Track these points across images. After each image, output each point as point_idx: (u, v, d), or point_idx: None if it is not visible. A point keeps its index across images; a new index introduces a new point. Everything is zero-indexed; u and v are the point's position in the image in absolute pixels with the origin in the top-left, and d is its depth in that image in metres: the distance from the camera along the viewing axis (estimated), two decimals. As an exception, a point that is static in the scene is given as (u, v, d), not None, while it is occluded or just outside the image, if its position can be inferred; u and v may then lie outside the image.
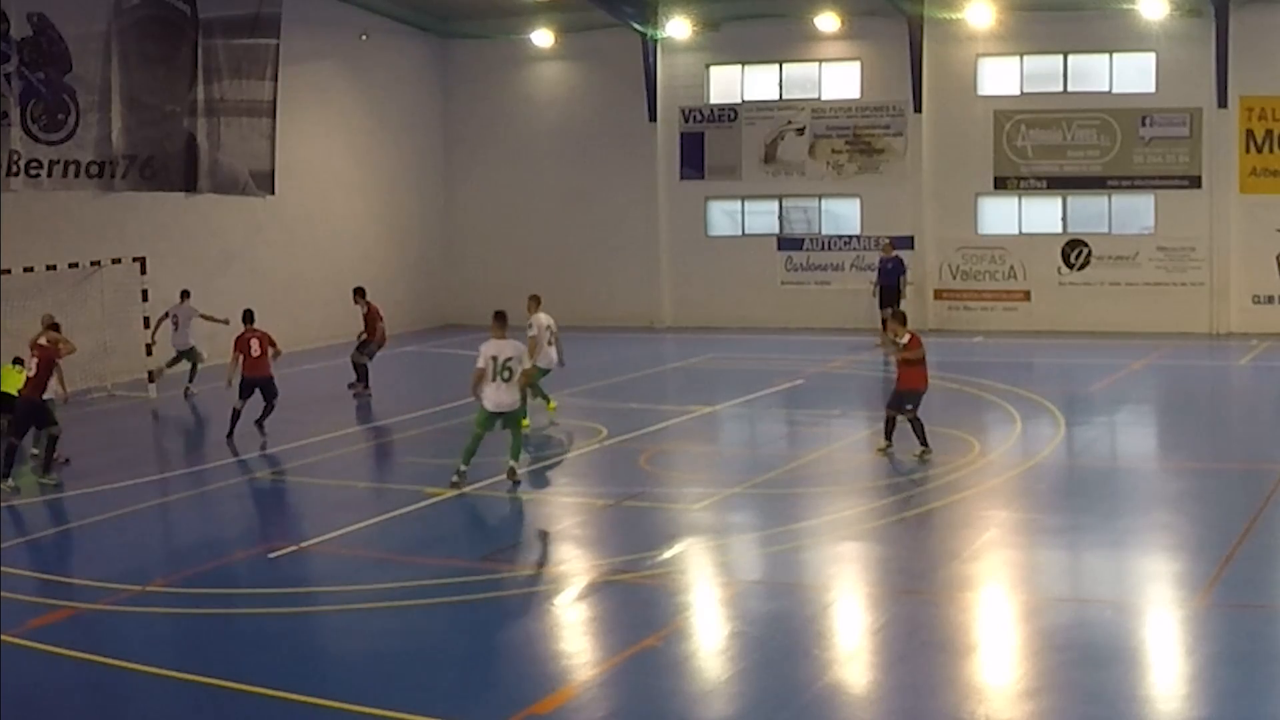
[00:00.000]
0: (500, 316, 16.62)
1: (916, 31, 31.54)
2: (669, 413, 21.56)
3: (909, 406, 17.72)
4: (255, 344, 20.25)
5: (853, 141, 32.79)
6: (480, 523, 15.64)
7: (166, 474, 19.08)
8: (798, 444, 20.34)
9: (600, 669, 10.64)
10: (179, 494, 17.17)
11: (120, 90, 24.04)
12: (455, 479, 16.24)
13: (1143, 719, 9.47)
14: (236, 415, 19.96)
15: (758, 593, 12.65)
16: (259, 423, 20.04)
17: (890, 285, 30.51)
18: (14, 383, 18.19)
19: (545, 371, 20.29)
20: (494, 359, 16.24)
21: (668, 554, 13.66)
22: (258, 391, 20.09)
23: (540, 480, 17.20)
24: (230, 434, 19.82)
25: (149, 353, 24.98)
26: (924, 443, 17.45)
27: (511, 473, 16.55)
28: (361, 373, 23.86)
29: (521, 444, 16.80)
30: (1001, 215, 32.17)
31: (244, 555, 14.19)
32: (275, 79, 26.07)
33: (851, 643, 11.37)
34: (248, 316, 20.93)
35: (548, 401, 20.53)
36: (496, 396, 16.29)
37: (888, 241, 31.56)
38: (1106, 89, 30.90)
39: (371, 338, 24.10)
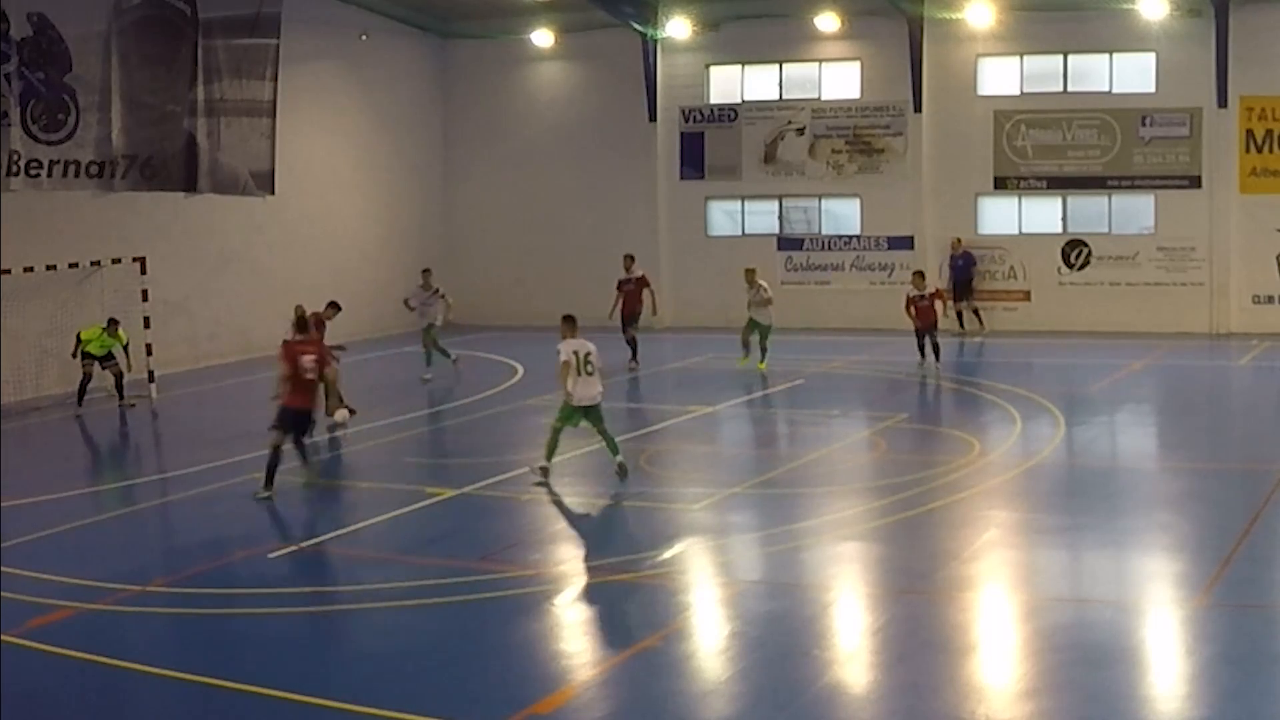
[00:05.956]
0: (570, 320, 16.95)
1: (916, 31, 31.54)
2: (669, 413, 21.57)
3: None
4: None
5: (853, 141, 32.79)
6: (480, 523, 15.62)
7: (166, 474, 19.07)
8: (798, 444, 20.34)
9: (600, 669, 10.63)
10: (179, 494, 17.16)
11: (120, 90, 24.03)
12: (539, 471, 16.57)
13: (1142, 719, 9.47)
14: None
15: (758, 593, 12.65)
16: None
17: (962, 280, 31.09)
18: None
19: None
20: (575, 353, 16.54)
21: (668, 554, 13.67)
22: None
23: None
24: None
25: (149, 352, 24.98)
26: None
27: (622, 468, 16.72)
28: None
29: (613, 435, 17.00)
30: (1001, 215, 32.17)
31: (244, 555, 14.18)
32: (275, 79, 26.07)
33: (851, 643, 11.36)
34: None
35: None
36: (585, 390, 16.58)
37: (957, 239, 31.64)
38: (1106, 89, 30.89)
39: None
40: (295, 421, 16.30)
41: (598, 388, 16.73)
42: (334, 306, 22.14)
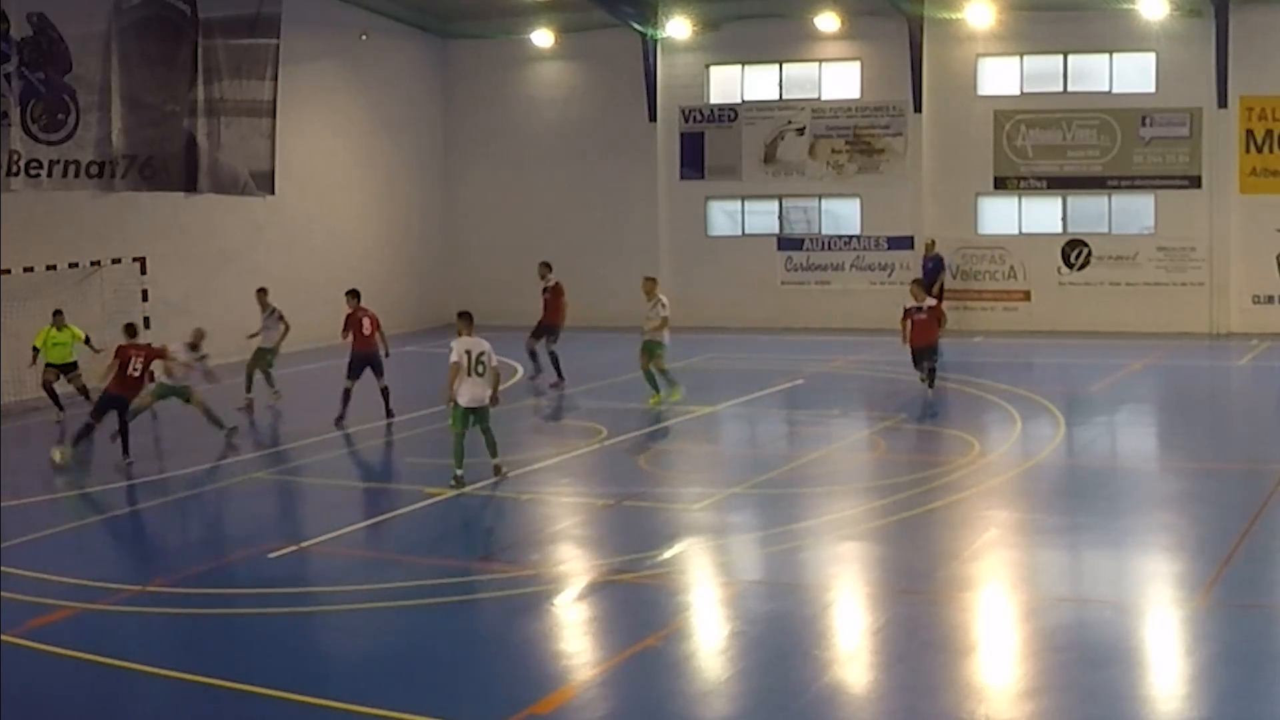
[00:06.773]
0: (466, 316, 16.77)
1: (916, 31, 31.55)
2: (669, 413, 21.55)
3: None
4: (367, 322, 21.28)
5: (853, 141, 32.81)
6: (480, 523, 15.64)
7: (166, 474, 19.05)
8: (798, 444, 20.33)
9: (600, 669, 10.63)
10: (179, 494, 17.16)
11: (120, 90, 24.06)
12: (454, 482, 16.27)
13: (1143, 719, 9.47)
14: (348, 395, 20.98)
15: (758, 593, 12.65)
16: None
17: (929, 284, 30.84)
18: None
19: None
20: (467, 353, 16.30)
21: (668, 554, 13.66)
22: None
23: (540, 480, 17.18)
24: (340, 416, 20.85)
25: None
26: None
27: (498, 470, 16.65)
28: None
29: (495, 438, 16.73)
30: (1001, 215, 32.19)
31: (244, 555, 14.18)
32: (275, 79, 26.11)
33: (851, 643, 11.37)
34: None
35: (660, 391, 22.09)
36: (473, 391, 16.33)
37: (930, 240, 31.69)
38: (1106, 89, 30.92)
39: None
40: (110, 405, 18.43)
41: (487, 390, 16.43)
42: (352, 294, 21.77)
